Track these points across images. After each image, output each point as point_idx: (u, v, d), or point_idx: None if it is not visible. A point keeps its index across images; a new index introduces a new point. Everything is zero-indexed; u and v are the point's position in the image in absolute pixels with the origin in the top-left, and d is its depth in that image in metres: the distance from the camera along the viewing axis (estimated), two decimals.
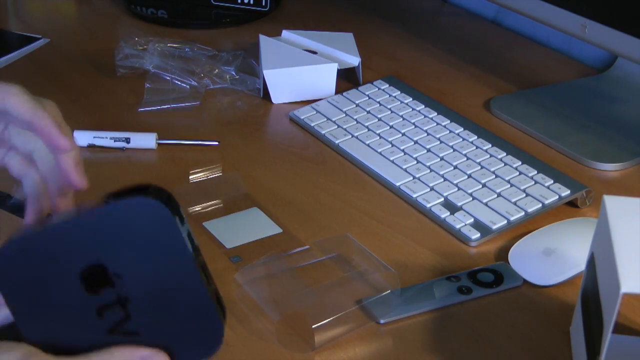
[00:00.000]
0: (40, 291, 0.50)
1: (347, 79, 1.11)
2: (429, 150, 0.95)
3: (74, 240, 0.50)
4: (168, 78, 1.09)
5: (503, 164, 0.92)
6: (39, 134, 0.55)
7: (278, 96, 1.07)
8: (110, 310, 0.51)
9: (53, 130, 0.55)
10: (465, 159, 0.93)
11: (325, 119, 1.02)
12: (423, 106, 1.03)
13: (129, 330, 0.51)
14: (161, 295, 0.51)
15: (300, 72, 1.06)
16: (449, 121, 1.00)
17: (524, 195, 0.87)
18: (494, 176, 0.90)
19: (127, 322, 0.51)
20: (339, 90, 1.07)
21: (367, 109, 1.03)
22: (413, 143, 0.96)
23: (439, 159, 0.93)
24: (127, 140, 0.96)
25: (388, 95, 1.06)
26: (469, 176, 0.90)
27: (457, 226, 0.83)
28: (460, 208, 0.86)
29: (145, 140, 0.96)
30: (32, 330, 0.51)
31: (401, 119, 1.01)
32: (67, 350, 0.50)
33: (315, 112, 1.03)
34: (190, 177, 0.89)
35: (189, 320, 0.51)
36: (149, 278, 0.50)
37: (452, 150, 0.95)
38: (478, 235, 0.82)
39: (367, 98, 1.06)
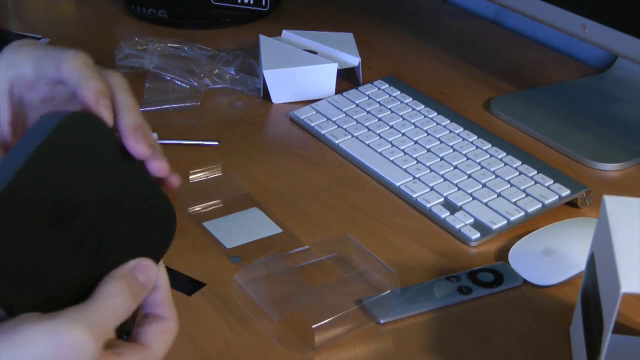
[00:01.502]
0: (16, 251, 0.47)
1: (347, 79, 1.11)
2: (429, 150, 0.95)
3: (28, 185, 0.47)
4: (168, 78, 1.09)
5: (503, 164, 0.92)
6: (82, 103, 0.52)
7: (278, 96, 1.07)
8: (85, 240, 0.49)
9: (93, 104, 0.51)
10: (465, 159, 0.93)
11: (325, 119, 1.02)
12: (423, 106, 1.03)
13: (106, 252, 0.50)
14: (119, 203, 0.50)
15: (300, 72, 1.06)
16: (449, 121, 1.00)
17: (524, 195, 0.87)
18: (494, 176, 0.90)
19: (102, 245, 0.50)
20: (339, 90, 1.07)
21: (367, 109, 1.03)
22: (413, 143, 0.96)
23: (439, 159, 0.93)
24: None
25: (388, 95, 1.06)
26: (469, 176, 0.90)
27: (457, 226, 0.83)
28: (460, 208, 0.86)
29: None
30: (20, 298, 0.48)
31: (401, 119, 1.01)
32: (59, 302, 0.48)
33: (315, 112, 1.03)
34: (190, 177, 0.89)
35: (147, 217, 0.52)
36: (104, 191, 0.50)
37: (452, 150, 0.95)
38: (478, 235, 0.82)
39: (367, 98, 1.06)
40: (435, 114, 1.02)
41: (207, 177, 0.90)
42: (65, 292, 0.49)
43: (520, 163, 0.92)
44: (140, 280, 0.50)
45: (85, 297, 0.48)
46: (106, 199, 0.50)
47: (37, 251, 0.47)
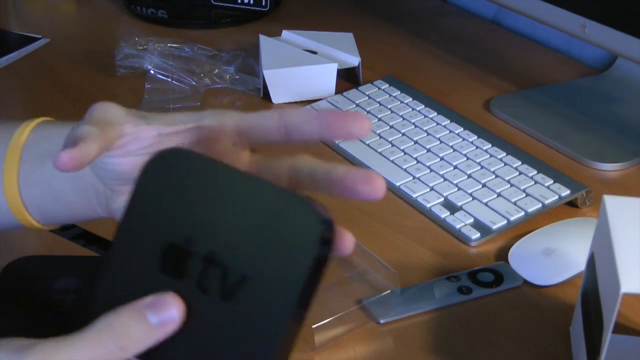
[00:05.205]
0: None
1: (347, 79, 1.11)
2: (429, 150, 0.95)
3: (131, 237, 0.44)
4: (168, 78, 1.09)
5: (503, 164, 0.92)
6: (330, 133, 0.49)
7: (278, 96, 1.07)
8: (207, 277, 0.42)
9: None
10: (465, 159, 0.93)
11: None
12: (423, 106, 1.03)
13: (235, 283, 0.42)
14: (239, 227, 0.43)
15: (300, 72, 1.06)
16: (449, 121, 1.00)
17: (524, 195, 0.87)
18: (494, 176, 0.90)
19: (228, 276, 0.42)
20: (339, 90, 1.07)
21: (367, 109, 1.03)
22: (413, 143, 0.96)
23: (439, 159, 0.93)
24: None
25: (388, 95, 1.06)
26: (469, 176, 0.90)
27: (457, 226, 0.83)
28: (460, 208, 0.86)
29: None
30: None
31: (401, 119, 1.01)
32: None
33: (315, 112, 1.03)
34: None
35: (282, 230, 0.43)
36: (217, 219, 0.43)
37: (452, 150, 0.95)
38: (478, 235, 0.82)
39: (367, 98, 1.06)
40: (435, 114, 1.02)
41: None
42: (206, 339, 0.43)
43: (520, 163, 0.92)
44: (151, 321, 0.42)
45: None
46: (223, 226, 0.43)
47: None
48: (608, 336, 0.57)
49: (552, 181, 0.89)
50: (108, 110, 0.51)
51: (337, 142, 0.97)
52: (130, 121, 0.51)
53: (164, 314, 0.42)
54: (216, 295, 0.42)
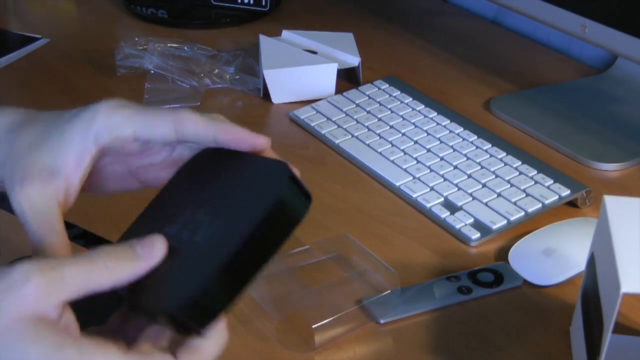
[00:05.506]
0: None
1: (347, 79, 1.11)
2: (429, 150, 0.95)
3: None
4: (168, 78, 1.09)
5: (503, 164, 0.92)
6: (230, 142, 0.54)
7: (278, 96, 1.07)
8: (189, 223, 0.51)
9: (244, 133, 0.54)
10: (465, 159, 0.93)
11: (325, 119, 1.02)
12: (423, 106, 1.03)
13: (208, 220, 0.50)
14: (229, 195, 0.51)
15: (300, 72, 1.06)
16: (449, 121, 1.00)
17: (524, 195, 0.87)
18: (494, 176, 0.90)
19: (205, 219, 0.50)
20: (339, 90, 1.07)
21: (367, 109, 1.03)
22: (413, 143, 0.96)
23: (439, 159, 0.93)
24: None
25: (388, 95, 1.06)
26: (469, 176, 0.90)
27: (457, 226, 0.83)
28: (460, 208, 0.86)
29: None
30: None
31: (401, 119, 1.01)
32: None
33: (315, 112, 1.03)
34: None
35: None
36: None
37: (452, 150, 0.95)
38: (478, 235, 0.82)
39: (367, 98, 1.06)
40: (435, 114, 1.02)
41: None
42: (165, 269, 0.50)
43: (520, 163, 0.92)
44: (137, 251, 0.49)
45: None
46: (215, 189, 0.52)
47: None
48: (608, 336, 0.57)
49: (552, 181, 0.89)
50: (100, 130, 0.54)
51: (337, 142, 0.97)
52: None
53: (148, 248, 0.49)
54: (190, 236, 0.50)
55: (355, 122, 1.01)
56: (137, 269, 0.49)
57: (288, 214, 0.50)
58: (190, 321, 0.47)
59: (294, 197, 0.50)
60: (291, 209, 0.50)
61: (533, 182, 0.89)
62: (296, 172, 0.52)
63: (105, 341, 0.47)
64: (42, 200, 0.52)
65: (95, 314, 0.51)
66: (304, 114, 1.03)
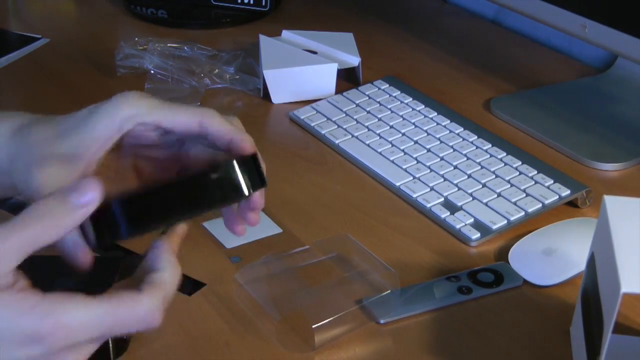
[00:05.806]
0: None
1: (347, 79, 1.11)
2: (429, 150, 0.95)
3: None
4: (168, 78, 1.09)
5: (503, 164, 0.92)
6: (238, 151, 0.56)
7: (278, 96, 1.07)
8: None
9: (251, 146, 0.57)
10: (465, 159, 0.93)
11: (325, 119, 1.02)
12: (423, 106, 1.03)
13: None
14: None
15: (300, 72, 1.06)
16: (449, 121, 1.00)
17: (524, 195, 0.87)
18: (494, 176, 0.90)
19: None
20: (339, 90, 1.07)
21: (367, 109, 1.03)
22: (413, 143, 0.96)
23: (439, 159, 0.93)
24: None
25: (388, 95, 1.06)
26: (469, 176, 0.90)
27: (457, 226, 0.83)
28: (460, 208, 0.86)
29: None
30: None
31: (401, 119, 1.01)
32: None
33: (315, 112, 1.03)
34: None
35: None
36: None
37: (452, 150, 0.95)
38: (478, 235, 0.82)
39: (367, 98, 1.06)
40: (435, 114, 1.02)
41: None
42: None
43: (520, 163, 0.92)
44: (73, 201, 0.48)
45: None
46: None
47: None
48: (608, 336, 0.57)
49: (552, 181, 0.89)
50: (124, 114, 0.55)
51: (337, 142, 0.97)
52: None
53: (84, 195, 0.49)
54: None
55: (355, 122, 1.01)
56: (77, 219, 0.49)
57: (229, 181, 0.53)
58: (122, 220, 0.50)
59: (244, 173, 0.54)
60: (234, 178, 0.53)
61: (533, 182, 0.89)
62: (262, 163, 0.56)
63: (70, 294, 0.48)
64: (59, 179, 0.53)
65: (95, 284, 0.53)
66: (304, 114, 1.03)
